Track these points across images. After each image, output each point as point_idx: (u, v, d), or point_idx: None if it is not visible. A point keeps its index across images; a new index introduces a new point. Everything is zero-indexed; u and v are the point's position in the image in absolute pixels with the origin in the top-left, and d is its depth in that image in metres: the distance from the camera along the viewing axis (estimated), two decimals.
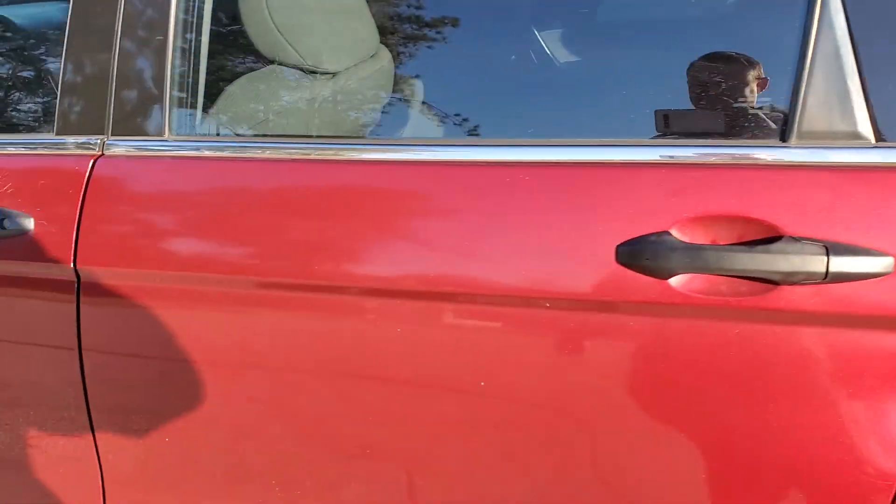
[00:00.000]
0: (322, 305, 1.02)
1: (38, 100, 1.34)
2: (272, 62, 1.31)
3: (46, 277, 1.15)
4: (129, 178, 1.13)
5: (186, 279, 1.08)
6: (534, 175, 0.97)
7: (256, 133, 1.23)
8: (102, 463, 1.21)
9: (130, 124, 1.14)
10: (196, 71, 1.16)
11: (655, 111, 1.01)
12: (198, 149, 1.12)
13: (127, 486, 1.22)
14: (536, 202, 0.95)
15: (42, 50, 1.40)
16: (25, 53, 1.41)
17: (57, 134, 1.19)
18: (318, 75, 1.36)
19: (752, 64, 1.02)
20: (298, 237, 1.03)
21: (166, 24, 1.13)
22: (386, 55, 1.42)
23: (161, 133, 1.13)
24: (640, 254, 0.91)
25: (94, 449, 1.21)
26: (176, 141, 1.13)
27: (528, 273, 0.95)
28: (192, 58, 1.15)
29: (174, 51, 1.13)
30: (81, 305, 1.14)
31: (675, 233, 0.90)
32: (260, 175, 1.07)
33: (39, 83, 1.35)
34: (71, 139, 1.17)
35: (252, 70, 1.33)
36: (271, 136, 1.23)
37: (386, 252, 0.99)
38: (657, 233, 0.91)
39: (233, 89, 1.26)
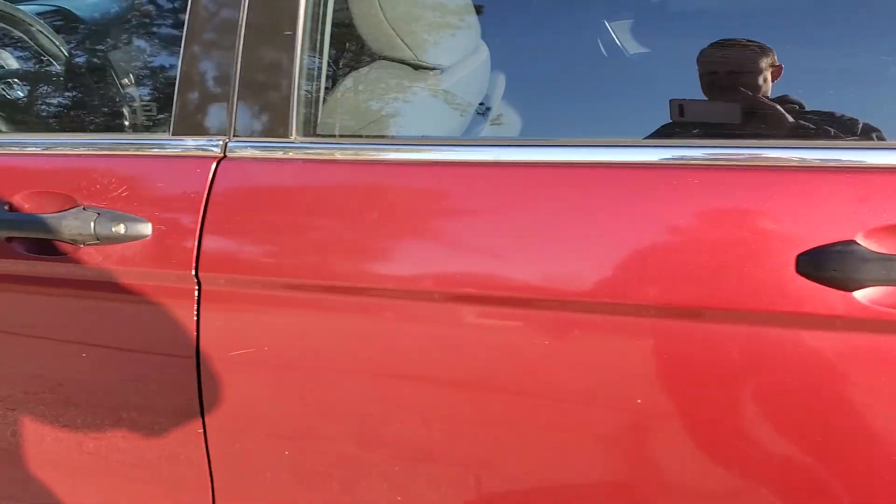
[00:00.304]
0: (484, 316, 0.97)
1: (150, 98, 1.28)
2: (379, 58, 1.26)
3: (165, 284, 1.11)
4: (255, 183, 1.07)
5: (315, 288, 1.03)
6: (703, 179, 0.91)
7: (374, 132, 1.18)
8: (214, 472, 1.18)
9: (255, 125, 1.09)
10: (320, 67, 1.10)
11: (834, 113, 0.95)
12: (329, 151, 1.07)
13: (238, 497, 1.19)
14: (708, 208, 0.90)
15: (154, 45, 1.34)
16: (136, 49, 1.35)
17: (173, 134, 1.13)
18: (428, 71, 1.30)
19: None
20: (442, 243, 0.98)
21: (295, 17, 1.06)
22: (485, 50, 1.37)
23: (287, 134, 1.07)
24: (825, 264, 0.85)
25: (206, 457, 1.17)
26: (303, 142, 1.07)
27: (694, 283, 0.89)
28: (318, 53, 1.09)
29: (303, 46, 1.06)
30: (202, 312, 1.10)
31: (861, 241, 0.85)
32: (402, 179, 1.01)
33: (150, 80, 1.29)
34: (190, 140, 1.12)
35: (360, 67, 1.27)
36: (406, 137, 1.17)
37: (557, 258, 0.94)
38: (842, 242, 0.85)
39: (348, 86, 1.21)
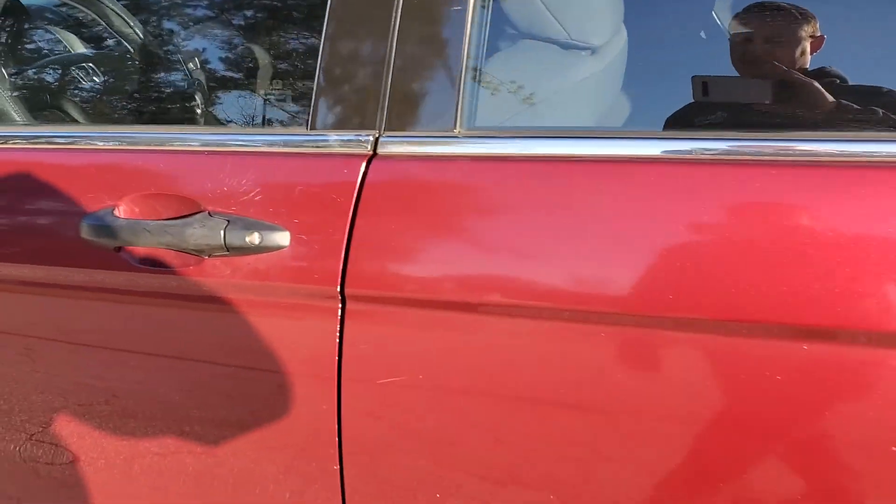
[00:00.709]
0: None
1: (282, 88, 1.12)
2: (524, 37, 1.10)
3: (304, 302, 0.97)
4: (413, 184, 0.92)
5: (496, 309, 0.88)
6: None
7: (540, 124, 1.02)
8: (347, 499, 1.04)
9: (410, 117, 0.93)
10: (486, 47, 0.94)
11: None
12: (501, 146, 0.91)
13: None
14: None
15: (287, 29, 1.18)
16: (265, 31, 1.20)
17: (312, 129, 0.98)
18: (579, 52, 1.14)
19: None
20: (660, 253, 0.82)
21: None
22: (625, 30, 1.21)
23: (450, 127, 0.92)
24: None
25: (340, 483, 1.03)
26: (469, 136, 0.92)
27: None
28: (485, 31, 0.93)
29: (473, 24, 0.90)
30: (345, 333, 0.96)
31: None
32: (601, 179, 0.85)
33: (284, 69, 1.13)
34: (333, 136, 0.96)
35: (503, 48, 1.11)
36: (594, 129, 1.01)
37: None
38: None
39: (499, 70, 1.05)
